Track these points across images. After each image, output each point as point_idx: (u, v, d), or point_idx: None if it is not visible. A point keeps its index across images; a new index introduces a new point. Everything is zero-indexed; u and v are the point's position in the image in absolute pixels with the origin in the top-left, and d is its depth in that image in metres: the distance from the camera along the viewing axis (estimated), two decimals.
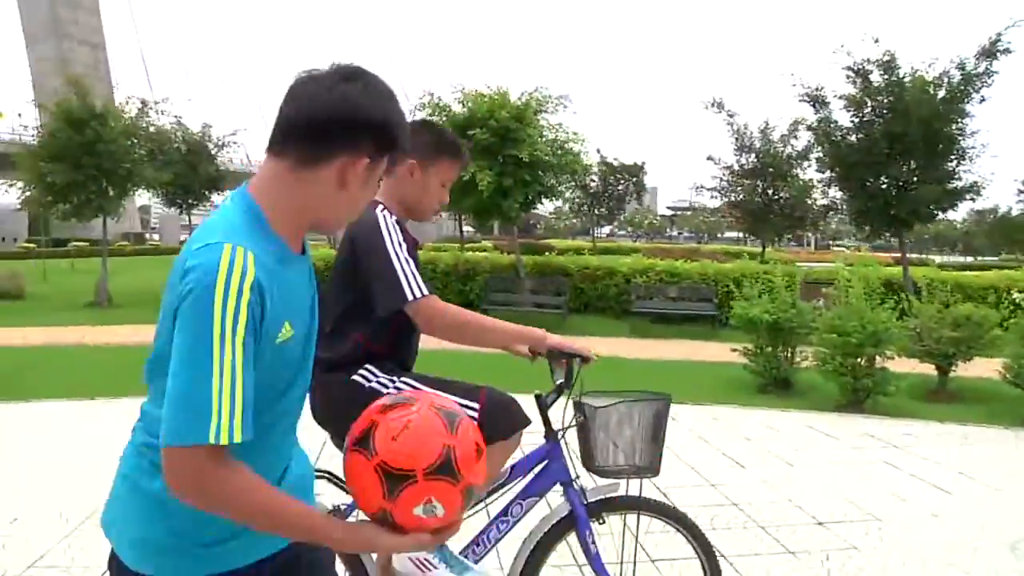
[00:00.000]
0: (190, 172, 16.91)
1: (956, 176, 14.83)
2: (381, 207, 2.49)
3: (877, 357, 8.18)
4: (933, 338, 8.91)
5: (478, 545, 2.54)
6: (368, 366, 2.43)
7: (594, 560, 2.60)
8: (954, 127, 14.19)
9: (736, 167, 20.55)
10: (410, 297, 2.30)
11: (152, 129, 16.29)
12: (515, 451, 2.50)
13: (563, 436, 2.63)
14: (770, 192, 20.24)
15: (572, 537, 2.62)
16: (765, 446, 6.32)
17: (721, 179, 21.06)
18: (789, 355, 9.05)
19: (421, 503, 1.41)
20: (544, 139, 14.48)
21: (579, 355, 2.48)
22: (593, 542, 2.60)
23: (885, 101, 14.39)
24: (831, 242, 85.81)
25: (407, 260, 2.35)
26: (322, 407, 2.44)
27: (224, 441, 1.32)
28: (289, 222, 1.54)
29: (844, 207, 16.95)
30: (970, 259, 61.81)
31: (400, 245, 2.38)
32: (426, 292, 2.33)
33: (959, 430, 7.31)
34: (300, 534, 1.42)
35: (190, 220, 20.25)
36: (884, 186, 14.90)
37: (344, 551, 1.71)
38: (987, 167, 44.82)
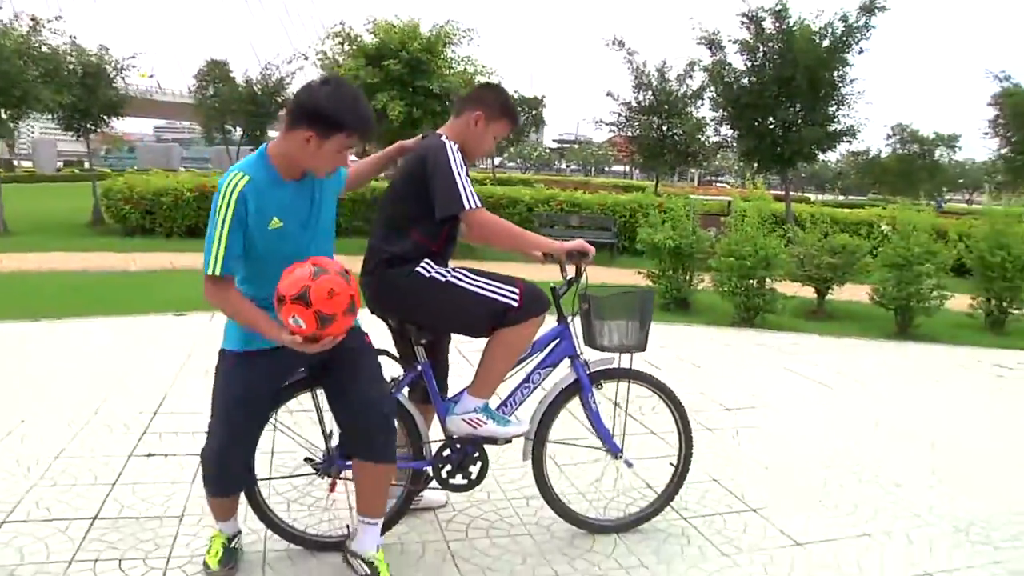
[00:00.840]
0: (88, 96, 16.48)
1: (836, 120, 16.28)
2: (446, 137, 3.10)
3: (767, 280, 9.36)
4: (814, 264, 10.17)
5: (506, 406, 3.28)
6: (427, 261, 3.05)
7: (594, 417, 3.37)
8: (835, 75, 15.56)
9: (634, 103, 21.56)
10: (467, 206, 2.93)
11: (45, 49, 15.73)
12: (542, 326, 3.22)
13: (572, 320, 3.36)
14: (665, 128, 21.36)
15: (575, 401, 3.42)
16: (675, 353, 7.33)
17: (619, 115, 22.04)
18: (688, 278, 10.13)
19: (291, 316, 2.46)
20: (453, 71, 14.94)
21: (588, 254, 3.26)
22: (594, 402, 3.35)
23: (776, 47, 15.58)
24: (712, 178, 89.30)
25: (467, 178, 2.98)
26: (385, 296, 3.08)
27: (213, 272, 2.53)
28: (281, 161, 2.64)
29: (735, 145, 18.21)
30: (842, 198, 65.87)
31: (462, 166, 2.99)
32: (479, 204, 2.96)
33: (836, 342, 8.57)
34: (252, 325, 2.60)
35: (88, 146, 19.63)
36: (772, 127, 16.20)
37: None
38: (862, 113, 48.17)
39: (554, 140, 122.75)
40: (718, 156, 30.48)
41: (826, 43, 15.26)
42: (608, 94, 21.80)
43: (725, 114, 17.18)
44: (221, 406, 2.78)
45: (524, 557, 3.28)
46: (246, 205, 2.53)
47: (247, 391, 2.76)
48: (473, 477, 3.29)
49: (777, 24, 15.53)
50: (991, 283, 9.87)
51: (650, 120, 21.32)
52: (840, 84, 15.79)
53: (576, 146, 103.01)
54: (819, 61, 15.12)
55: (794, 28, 15.35)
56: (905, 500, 4.09)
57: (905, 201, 12.61)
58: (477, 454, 3.28)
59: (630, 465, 3.65)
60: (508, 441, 3.27)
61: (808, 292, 10.59)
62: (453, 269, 3.11)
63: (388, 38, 14.41)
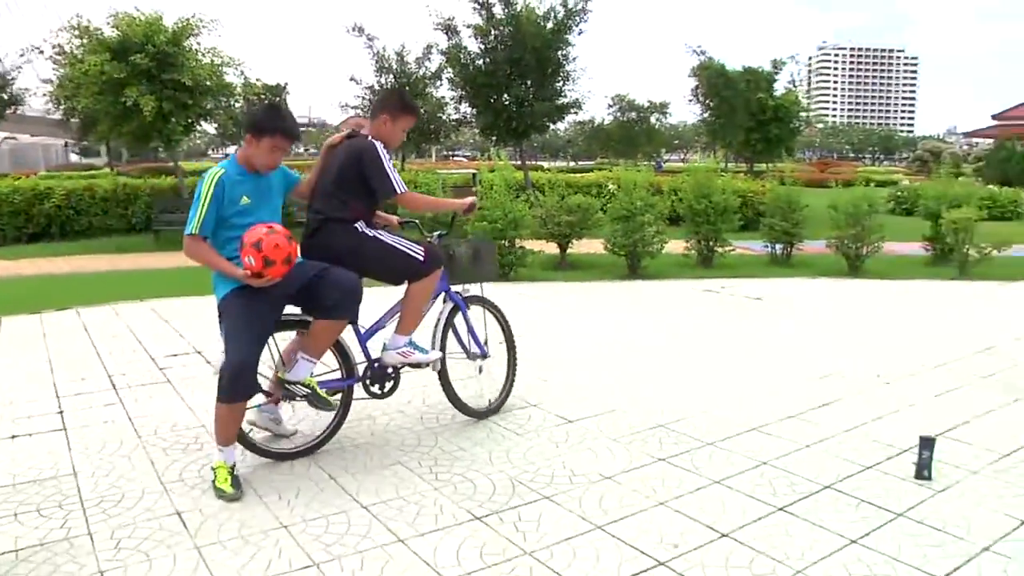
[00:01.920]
0: None
1: (563, 94, 18.24)
2: (372, 137, 4.30)
3: (516, 239, 10.80)
4: (555, 223, 11.75)
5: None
6: (361, 222, 4.26)
7: (471, 330, 4.83)
8: (560, 54, 17.47)
9: (376, 87, 22.47)
10: (398, 191, 4.18)
11: None
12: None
13: (445, 264, 4.61)
14: None
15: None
16: None
17: (363, 98, 22.85)
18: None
19: (247, 256, 3.69)
20: (200, 63, 15.03)
21: (456, 212, 4.72)
22: (467, 319, 4.80)
23: (506, 31, 17.19)
24: (449, 153, 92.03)
25: (392, 168, 4.21)
26: (330, 246, 4.19)
27: (193, 232, 3.78)
28: (244, 161, 3.96)
29: (474, 122, 19.73)
30: (573, 163, 70.52)
31: (388, 159, 4.22)
32: (404, 188, 4.21)
33: (580, 285, 10.20)
34: (218, 267, 3.83)
35: None
36: (507, 103, 17.85)
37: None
38: (586, 87, 52.63)
39: None
40: (462, 132, 32.11)
41: (550, 25, 17.09)
42: (352, 79, 22.55)
43: (463, 93, 18.62)
44: (233, 331, 3.81)
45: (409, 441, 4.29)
46: (223, 188, 3.87)
47: (248, 312, 3.85)
48: (386, 389, 4.51)
49: (506, 9, 17.13)
50: (699, 227, 12.02)
51: None
52: (565, 62, 17.73)
53: (312, 130, 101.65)
54: (545, 42, 16.92)
55: (521, 13, 17.02)
56: (634, 389, 5.53)
57: (627, 163, 14.64)
58: (392, 372, 4.51)
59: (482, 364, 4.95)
60: (427, 365, 4.55)
61: (552, 248, 12.16)
62: (377, 230, 4.34)
63: (131, 32, 14.22)
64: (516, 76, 17.35)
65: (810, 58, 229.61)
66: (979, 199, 23.29)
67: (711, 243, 12.12)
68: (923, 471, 3.93)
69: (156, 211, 15.70)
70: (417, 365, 4.52)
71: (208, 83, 14.85)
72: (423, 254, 4.35)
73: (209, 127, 22.56)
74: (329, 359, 4.39)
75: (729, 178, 14.73)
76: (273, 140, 3.92)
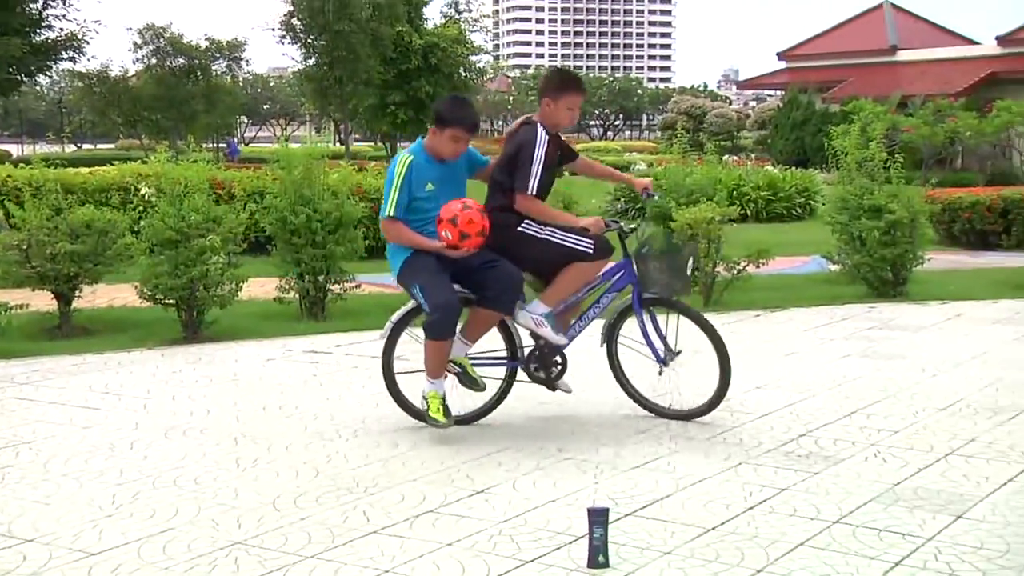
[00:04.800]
0: None
1: (45, 23, 18.66)
2: (539, 125, 7.93)
3: None
4: (47, 256, 11.99)
5: (581, 320, 8.38)
6: (527, 221, 7.84)
7: (644, 334, 8.27)
8: None
9: None
10: (523, 188, 7.71)
11: None
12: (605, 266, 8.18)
13: (634, 256, 8.20)
14: None
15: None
16: None
17: None
18: None
19: (443, 230, 7.63)
20: None
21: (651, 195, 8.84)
22: (643, 323, 8.25)
23: None
24: None
25: (539, 168, 7.72)
26: (495, 237, 7.66)
27: (389, 215, 7.81)
28: (430, 149, 7.98)
29: None
30: (74, 148, 69.90)
31: (542, 155, 7.75)
32: (530, 191, 7.70)
33: (98, 358, 10.97)
34: (416, 244, 7.80)
35: None
36: None
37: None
38: (89, 12, 51.41)
39: None
40: None
41: None
42: None
43: None
44: (427, 282, 7.59)
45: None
46: (413, 173, 7.68)
47: (433, 263, 7.64)
48: (552, 375, 8.17)
49: None
50: (299, 253, 12.81)
51: None
52: None
53: None
54: None
55: None
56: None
57: (169, 148, 15.13)
58: (558, 359, 8.16)
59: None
60: (548, 347, 8.12)
61: (45, 299, 12.63)
62: (545, 227, 7.84)
63: None
64: None
65: None
66: (754, 187, 27.14)
67: (322, 279, 13.16)
68: (598, 556, 5.32)
69: None
70: (542, 338, 7.97)
71: None
72: (592, 247, 7.77)
73: None
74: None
75: (347, 171, 16.07)
76: (454, 131, 7.72)
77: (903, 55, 47.53)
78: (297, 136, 61.00)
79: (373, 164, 31.52)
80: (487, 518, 6.15)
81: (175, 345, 11.75)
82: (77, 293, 12.63)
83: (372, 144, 45.02)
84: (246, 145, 64.13)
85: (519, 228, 7.80)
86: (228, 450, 7.63)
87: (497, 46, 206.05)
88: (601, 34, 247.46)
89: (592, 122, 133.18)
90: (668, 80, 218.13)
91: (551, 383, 8.21)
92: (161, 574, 5.40)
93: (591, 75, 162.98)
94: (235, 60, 43.60)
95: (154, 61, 40.98)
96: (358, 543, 5.76)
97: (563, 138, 8.52)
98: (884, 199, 14.62)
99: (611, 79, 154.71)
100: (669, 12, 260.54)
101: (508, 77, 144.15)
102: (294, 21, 27.56)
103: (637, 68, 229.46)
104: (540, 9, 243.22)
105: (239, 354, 11.27)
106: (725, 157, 37.22)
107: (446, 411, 7.67)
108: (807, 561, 5.47)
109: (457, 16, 30.08)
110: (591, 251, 7.74)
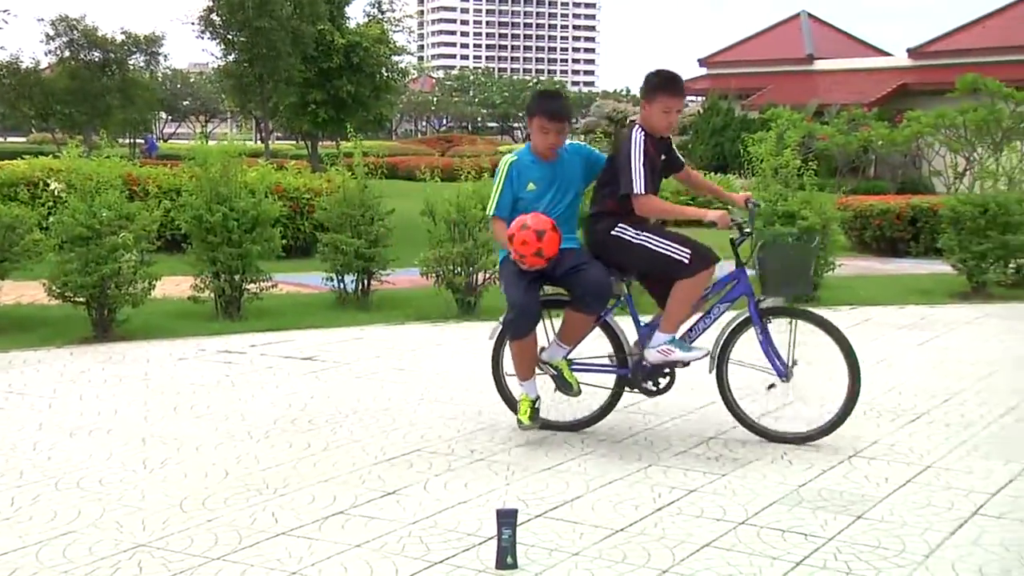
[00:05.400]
0: None
1: None
2: (638, 127, 7.75)
3: None
4: None
5: (692, 331, 7.92)
6: (621, 218, 7.71)
7: (763, 344, 7.86)
8: None
9: None
10: (635, 191, 7.53)
11: None
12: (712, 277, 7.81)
13: (748, 264, 7.77)
14: None
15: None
16: None
17: None
18: None
19: (534, 232, 7.52)
20: None
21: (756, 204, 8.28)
22: (764, 335, 7.85)
23: None
24: None
25: (642, 166, 7.48)
26: (589, 242, 8.11)
27: (493, 213, 8.13)
28: (534, 148, 8.07)
29: None
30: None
31: (641, 154, 7.51)
32: (642, 190, 7.49)
33: (4, 356, 10.88)
34: (503, 246, 7.93)
35: None
36: None
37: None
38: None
39: None
40: None
41: None
42: None
43: None
44: (508, 284, 7.87)
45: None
46: (514, 173, 7.90)
47: (516, 269, 7.70)
48: (661, 387, 8.00)
49: None
50: (215, 252, 12.85)
51: None
52: None
53: None
54: None
55: None
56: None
57: (80, 143, 15.11)
58: (667, 370, 7.93)
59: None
60: (685, 365, 7.92)
61: None
62: (642, 231, 7.65)
63: None
64: None
65: None
66: (673, 191, 27.20)
67: (237, 278, 13.20)
68: (506, 557, 5.37)
69: None
70: (680, 363, 7.85)
71: None
72: (688, 256, 7.46)
73: None
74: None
75: (266, 169, 16.05)
76: (539, 121, 7.84)
77: (820, 64, 48.24)
78: (216, 134, 60.98)
79: (293, 163, 31.40)
80: (397, 519, 6.17)
81: (85, 344, 11.66)
82: None
83: (293, 143, 44.85)
84: (164, 141, 63.72)
85: (612, 232, 7.68)
86: (136, 451, 7.56)
87: (422, 47, 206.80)
88: (526, 37, 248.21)
89: (516, 124, 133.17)
90: (592, 84, 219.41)
91: (658, 394, 8.07)
92: None
93: (515, 77, 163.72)
94: (153, 55, 43.27)
95: (67, 54, 40.50)
96: (265, 545, 5.76)
97: (669, 143, 8.14)
98: (797, 205, 14.89)
99: (535, 81, 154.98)
100: (593, 16, 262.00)
101: (432, 78, 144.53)
102: (214, 16, 27.41)
103: (562, 71, 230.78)
104: (465, 11, 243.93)
105: (151, 353, 11.19)
106: None
107: (533, 415, 7.71)
108: (712, 562, 5.58)
109: (380, 16, 30.07)
110: (686, 260, 7.45)
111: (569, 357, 8.08)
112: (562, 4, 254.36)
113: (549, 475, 7.05)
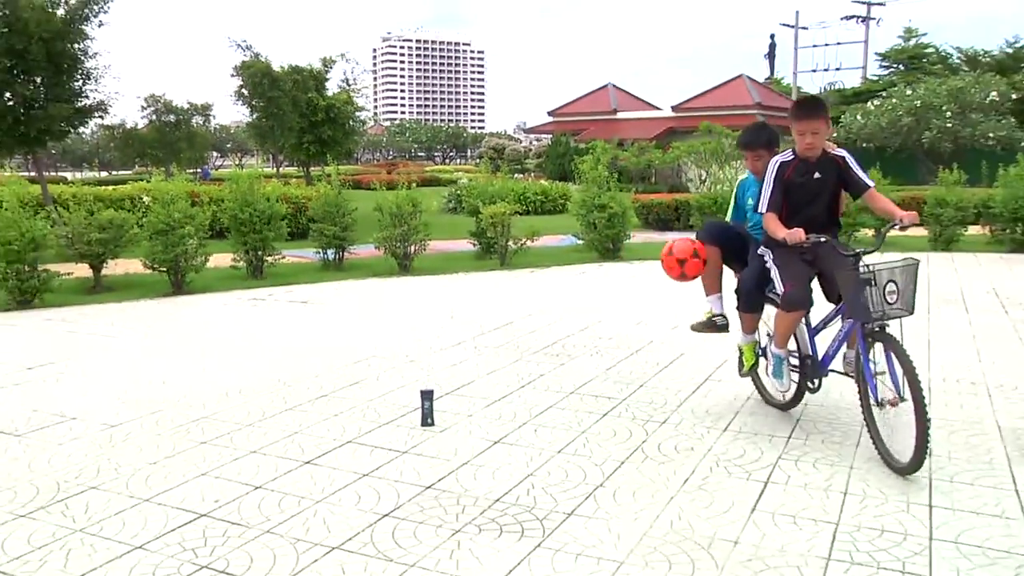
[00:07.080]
0: None
1: (84, 95, 18.01)
2: (788, 151, 5.23)
3: (39, 263, 10.87)
4: (84, 241, 11.90)
5: (826, 358, 5.20)
6: (764, 247, 5.35)
7: (867, 371, 4.77)
8: (76, 48, 17.25)
9: None
10: (760, 209, 5.18)
11: None
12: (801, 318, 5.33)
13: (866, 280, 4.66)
14: None
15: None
16: None
17: None
18: None
19: (676, 260, 5.78)
20: None
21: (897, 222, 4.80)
22: (866, 358, 4.77)
23: (1, 14, 16.54)
24: None
25: (773, 188, 5.12)
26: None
27: (763, 211, 5.16)
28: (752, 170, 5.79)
29: None
30: (104, 174, 67.29)
31: (772, 178, 5.13)
32: (765, 209, 5.11)
33: (117, 306, 10.62)
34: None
35: None
36: (11, 104, 17.18)
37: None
38: (112, 86, 51.45)
39: None
40: None
41: (61, 13, 16.81)
42: None
43: None
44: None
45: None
46: (739, 190, 5.94)
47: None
48: (810, 388, 5.40)
49: None
50: (245, 237, 12.95)
51: None
52: (84, 58, 17.53)
53: None
54: (56, 33, 16.61)
55: None
56: (175, 389, 6.41)
57: (159, 173, 14.98)
58: (816, 381, 5.37)
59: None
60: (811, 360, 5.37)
61: (84, 270, 12.36)
62: (776, 255, 5.24)
63: None
64: (22, 72, 16.80)
65: (375, 50, 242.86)
66: (534, 193, 27.77)
67: (260, 253, 13.14)
68: (427, 419, 5.38)
69: None
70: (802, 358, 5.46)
71: None
72: (782, 293, 5.17)
73: None
74: None
75: (277, 184, 15.91)
76: (745, 152, 5.82)
77: (621, 114, 48.30)
78: (247, 164, 60.35)
79: (295, 180, 31.63)
80: (361, 397, 6.12)
81: (166, 297, 11.40)
82: (104, 265, 12.32)
83: (295, 168, 44.35)
84: (215, 170, 62.39)
85: (758, 251, 5.47)
86: (197, 360, 7.41)
87: (375, 103, 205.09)
88: (443, 94, 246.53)
89: (436, 153, 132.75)
90: (482, 126, 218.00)
91: (809, 392, 5.46)
92: None
93: (435, 123, 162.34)
94: (207, 115, 42.67)
95: (154, 117, 39.96)
96: (280, 417, 5.70)
97: (842, 164, 5.24)
98: (607, 200, 14.81)
99: (447, 126, 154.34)
100: (482, 83, 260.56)
101: (382, 125, 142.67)
102: (243, 91, 27.10)
103: (463, 118, 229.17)
104: (403, 77, 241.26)
105: (208, 301, 10.95)
106: (516, 175, 37.83)
107: (755, 360, 5.77)
108: (555, 417, 5.63)
109: (348, 87, 29.73)
110: (778, 300, 5.24)
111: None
112: (461, 61, 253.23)
113: (453, 369, 6.99)
